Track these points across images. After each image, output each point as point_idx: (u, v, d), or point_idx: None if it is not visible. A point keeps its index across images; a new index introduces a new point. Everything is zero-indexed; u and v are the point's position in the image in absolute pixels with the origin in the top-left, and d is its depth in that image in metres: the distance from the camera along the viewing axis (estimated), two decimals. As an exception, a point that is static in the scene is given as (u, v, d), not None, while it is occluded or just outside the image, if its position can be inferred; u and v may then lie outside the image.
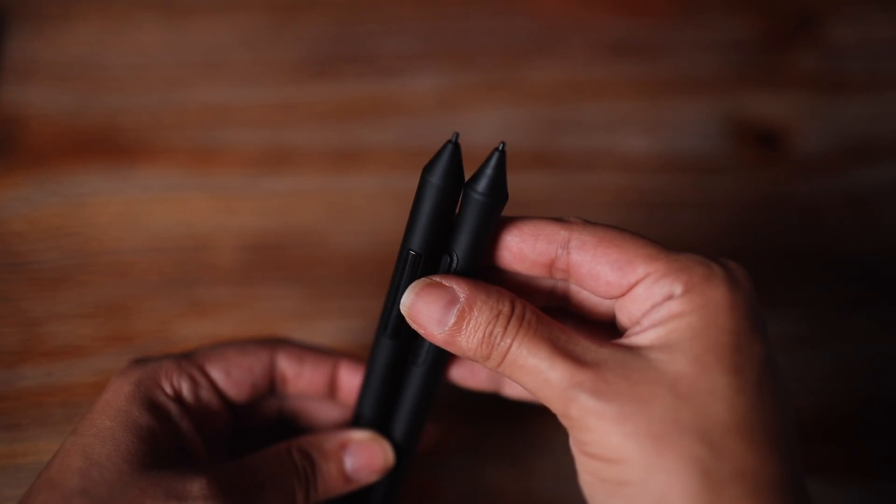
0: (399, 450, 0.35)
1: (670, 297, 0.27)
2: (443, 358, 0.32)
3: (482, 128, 0.52)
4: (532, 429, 0.43)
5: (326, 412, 0.37)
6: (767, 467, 0.26)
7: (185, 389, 0.33)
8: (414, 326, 0.29)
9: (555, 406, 0.27)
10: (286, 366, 0.35)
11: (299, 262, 0.47)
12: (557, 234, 0.29)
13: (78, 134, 0.49)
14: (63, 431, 0.31)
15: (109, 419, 0.30)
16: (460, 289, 0.28)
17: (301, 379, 0.35)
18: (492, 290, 0.28)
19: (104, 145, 0.49)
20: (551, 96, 0.53)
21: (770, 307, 0.41)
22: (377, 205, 0.49)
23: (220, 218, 0.48)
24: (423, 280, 0.29)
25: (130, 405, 0.31)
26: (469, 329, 0.28)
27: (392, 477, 0.35)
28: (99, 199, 0.48)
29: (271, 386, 0.35)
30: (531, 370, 0.27)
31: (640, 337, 0.28)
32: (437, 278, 0.29)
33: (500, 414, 0.44)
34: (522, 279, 0.31)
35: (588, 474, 0.28)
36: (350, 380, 0.36)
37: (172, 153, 0.49)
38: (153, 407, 0.32)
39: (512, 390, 0.35)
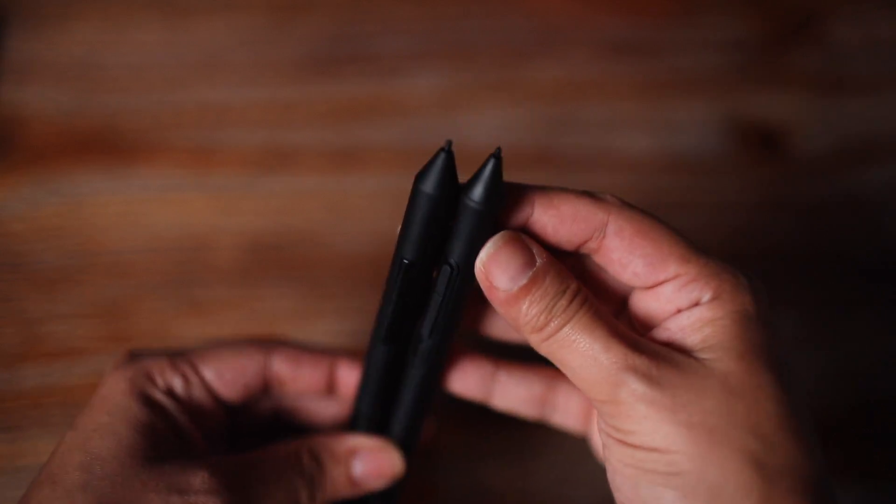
0: (399, 446, 0.35)
1: (697, 303, 0.28)
2: (440, 361, 0.32)
3: (482, 128, 0.52)
4: (531, 429, 0.43)
5: (323, 409, 0.37)
6: (810, 462, 0.26)
7: (178, 387, 0.33)
8: (482, 277, 0.28)
9: (599, 390, 0.27)
10: (282, 368, 0.35)
11: (299, 262, 0.47)
12: (595, 216, 0.28)
13: (77, 134, 0.49)
14: (63, 432, 0.31)
15: (108, 414, 0.31)
16: (538, 253, 0.27)
17: (298, 380, 0.35)
18: (561, 265, 0.28)
19: (104, 145, 0.49)
20: (551, 96, 0.53)
21: (770, 307, 0.41)
22: (377, 205, 0.49)
23: (219, 218, 0.48)
24: (509, 233, 0.28)
25: (128, 400, 0.31)
26: (536, 295, 0.27)
27: None
28: (98, 199, 0.47)
29: (265, 387, 0.35)
30: (581, 349, 0.27)
31: (677, 340, 0.28)
32: (522, 236, 0.28)
33: (499, 415, 0.43)
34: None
35: (628, 466, 0.27)
36: (349, 376, 0.36)
37: (172, 153, 0.49)
38: (149, 402, 0.32)
39: (500, 401, 0.36)
